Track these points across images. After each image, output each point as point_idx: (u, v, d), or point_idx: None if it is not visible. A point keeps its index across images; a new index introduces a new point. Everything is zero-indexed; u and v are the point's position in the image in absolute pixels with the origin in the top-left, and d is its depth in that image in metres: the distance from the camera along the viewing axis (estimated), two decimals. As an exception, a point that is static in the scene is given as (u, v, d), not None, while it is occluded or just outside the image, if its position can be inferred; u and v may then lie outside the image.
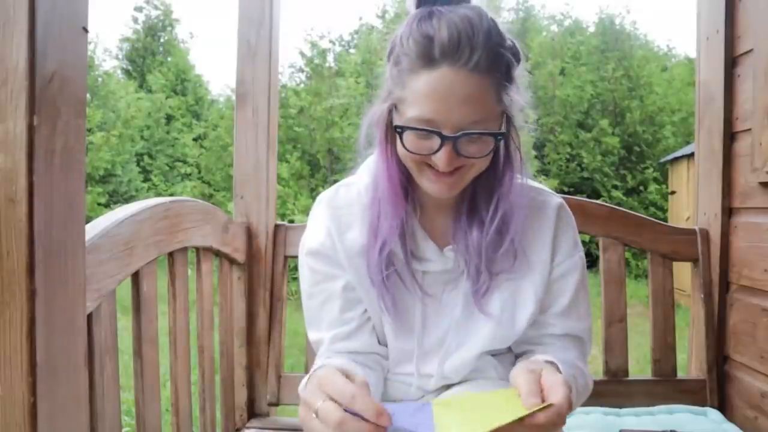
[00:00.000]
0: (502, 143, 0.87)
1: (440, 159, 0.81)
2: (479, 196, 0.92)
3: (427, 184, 0.86)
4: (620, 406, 1.54)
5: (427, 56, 0.79)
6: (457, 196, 0.92)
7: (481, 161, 0.84)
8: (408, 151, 0.83)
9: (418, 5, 0.85)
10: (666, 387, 1.64)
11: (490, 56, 0.79)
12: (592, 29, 13.74)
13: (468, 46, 0.77)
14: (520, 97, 0.86)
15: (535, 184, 0.99)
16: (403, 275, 0.93)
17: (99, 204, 10.59)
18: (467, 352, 0.94)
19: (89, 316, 0.92)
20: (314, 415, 0.68)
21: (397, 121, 0.85)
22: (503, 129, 0.85)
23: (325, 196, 0.99)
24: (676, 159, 8.29)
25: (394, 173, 0.89)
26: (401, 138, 0.83)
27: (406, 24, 0.84)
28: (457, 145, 0.80)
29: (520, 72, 0.87)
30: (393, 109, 0.86)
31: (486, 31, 0.79)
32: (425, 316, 0.95)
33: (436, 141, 0.81)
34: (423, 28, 0.80)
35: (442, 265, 0.94)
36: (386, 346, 0.98)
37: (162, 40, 15.61)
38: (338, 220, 0.95)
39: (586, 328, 0.97)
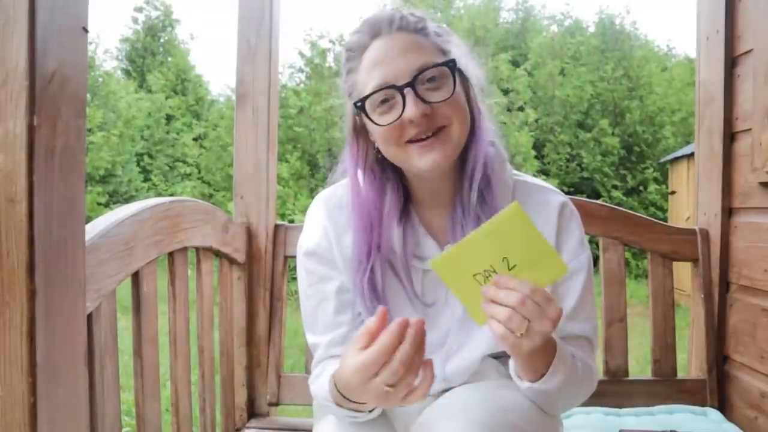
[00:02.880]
0: (471, 115, 0.91)
1: (409, 110, 0.83)
2: (471, 187, 0.92)
3: (418, 161, 0.86)
4: (620, 406, 1.54)
5: (361, 43, 0.88)
6: (450, 188, 0.93)
7: (455, 112, 0.86)
8: (380, 125, 0.85)
9: None
10: (666, 387, 1.64)
11: (406, 19, 0.87)
12: (592, 29, 13.76)
13: (387, 19, 0.87)
14: (465, 59, 0.91)
15: (539, 181, 0.99)
16: (400, 276, 0.93)
17: (99, 204, 10.59)
18: (470, 354, 0.94)
19: (89, 316, 0.92)
20: (389, 389, 0.71)
21: (361, 114, 0.89)
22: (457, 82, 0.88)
23: (322, 196, 0.99)
24: (676, 159, 8.29)
25: (375, 176, 0.92)
26: (369, 118, 0.87)
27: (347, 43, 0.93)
28: (418, 90, 0.83)
29: (453, 40, 0.92)
30: (355, 107, 0.89)
31: (393, 9, 0.89)
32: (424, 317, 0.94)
33: (398, 100, 0.84)
34: (353, 33, 0.90)
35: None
36: None
37: (162, 40, 15.62)
38: (336, 221, 0.95)
39: (592, 327, 0.96)
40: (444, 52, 0.88)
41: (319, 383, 0.93)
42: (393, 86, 0.84)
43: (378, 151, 0.91)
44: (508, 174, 0.96)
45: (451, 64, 0.86)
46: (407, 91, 0.83)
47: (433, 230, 0.95)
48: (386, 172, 0.93)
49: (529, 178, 1.00)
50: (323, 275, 0.95)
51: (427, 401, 0.94)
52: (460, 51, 0.91)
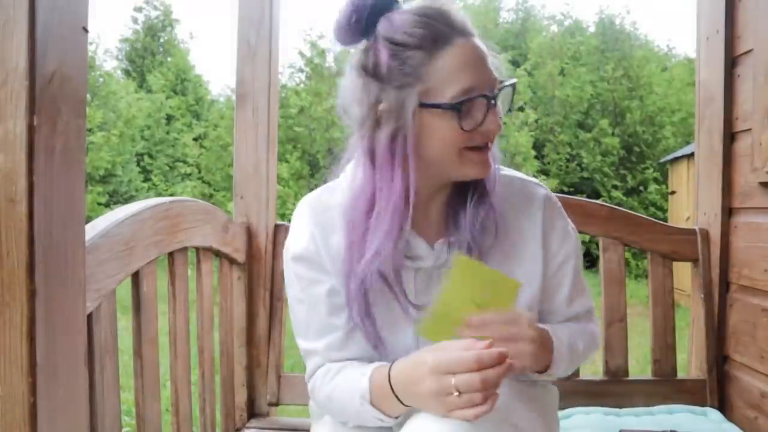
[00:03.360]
0: None
1: (494, 123, 0.85)
2: (462, 185, 0.94)
3: (470, 168, 0.87)
4: (620, 406, 1.54)
5: (443, 34, 0.84)
6: (446, 190, 0.95)
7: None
8: (465, 130, 0.84)
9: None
10: (666, 387, 1.64)
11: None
12: (592, 29, 13.76)
13: (466, 21, 0.86)
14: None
15: (520, 174, 1.00)
16: (389, 280, 0.91)
17: (99, 204, 10.59)
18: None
19: (89, 316, 0.92)
20: (455, 393, 0.75)
21: (430, 112, 0.84)
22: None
23: (307, 199, 0.98)
24: (676, 159, 8.29)
25: (406, 185, 0.86)
26: (459, 118, 0.83)
27: (398, 32, 0.85)
28: (496, 103, 0.86)
29: None
30: (415, 109, 0.84)
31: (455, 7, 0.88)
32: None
33: (479, 108, 0.84)
34: (416, 23, 0.84)
35: (433, 261, 0.93)
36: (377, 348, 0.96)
37: (162, 40, 15.61)
38: (322, 225, 0.94)
39: (588, 299, 1.03)
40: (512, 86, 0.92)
41: (338, 382, 0.91)
42: (485, 95, 0.84)
43: (399, 146, 0.86)
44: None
45: (513, 86, 0.89)
46: (492, 102, 0.85)
47: (422, 230, 0.94)
48: (401, 166, 0.88)
49: (511, 172, 1.01)
50: (313, 279, 0.94)
51: None
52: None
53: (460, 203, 0.94)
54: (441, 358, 0.77)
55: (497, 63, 0.89)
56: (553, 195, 1.01)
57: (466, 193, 0.93)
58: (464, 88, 0.83)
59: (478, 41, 0.86)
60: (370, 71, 0.86)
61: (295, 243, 0.95)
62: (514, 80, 0.88)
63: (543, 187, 1.00)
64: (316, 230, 0.93)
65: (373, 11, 0.86)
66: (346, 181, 0.95)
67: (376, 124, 0.87)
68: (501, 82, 0.87)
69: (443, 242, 0.93)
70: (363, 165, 0.89)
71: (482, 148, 0.87)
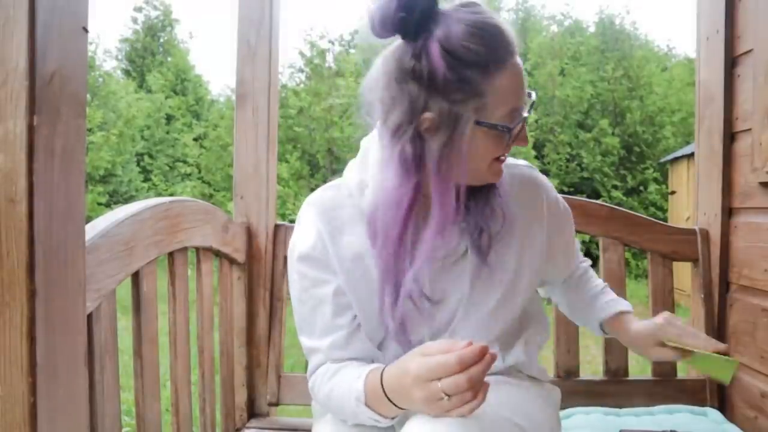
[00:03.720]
0: None
1: (523, 137, 0.89)
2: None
3: (492, 176, 0.90)
4: (620, 406, 1.54)
5: (496, 59, 0.82)
6: None
7: None
8: (508, 145, 0.87)
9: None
10: (666, 387, 1.64)
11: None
12: (592, 29, 13.76)
13: (512, 38, 0.85)
14: None
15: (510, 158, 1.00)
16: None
17: (99, 204, 10.59)
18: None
19: (89, 316, 0.92)
20: (444, 397, 0.74)
21: (482, 128, 0.84)
22: None
23: (312, 199, 0.98)
24: (676, 159, 8.29)
25: (457, 194, 0.87)
26: (509, 137, 0.86)
27: (457, 44, 0.81)
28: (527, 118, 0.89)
29: None
30: (471, 125, 0.83)
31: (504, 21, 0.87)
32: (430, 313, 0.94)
33: (521, 125, 0.88)
34: (476, 38, 0.81)
35: (444, 250, 0.93)
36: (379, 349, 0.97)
37: (162, 40, 15.62)
38: (329, 223, 0.93)
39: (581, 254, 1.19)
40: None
41: (336, 382, 0.91)
42: (522, 115, 0.87)
43: (449, 157, 0.85)
44: None
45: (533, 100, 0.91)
46: (524, 118, 0.88)
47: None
48: (449, 176, 0.87)
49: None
50: (319, 279, 0.93)
51: None
52: None
53: (468, 191, 0.93)
54: (422, 366, 0.76)
55: None
56: (537, 171, 1.05)
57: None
58: (513, 108, 0.85)
59: (519, 58, 0.88)
60: (424, 79, 0.82)
61: (301, 242, 0.95)
62: (534, 95, 0.91)
63: (532, 168, 1.04)
64: (324, 229, 0.93)
65: (424, 12, 0.81)
66: (353, 182, 0.95)
67: (416, 132, 0.84)
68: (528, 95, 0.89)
69: (454, 229, 0.93)
70: (397, 171, 0.85)
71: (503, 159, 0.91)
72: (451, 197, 0.85)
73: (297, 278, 0.96)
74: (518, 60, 0.85)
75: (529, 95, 0.88)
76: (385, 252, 0.87)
